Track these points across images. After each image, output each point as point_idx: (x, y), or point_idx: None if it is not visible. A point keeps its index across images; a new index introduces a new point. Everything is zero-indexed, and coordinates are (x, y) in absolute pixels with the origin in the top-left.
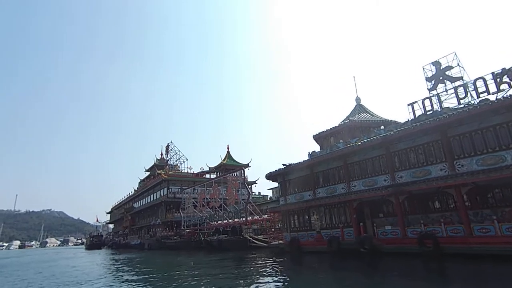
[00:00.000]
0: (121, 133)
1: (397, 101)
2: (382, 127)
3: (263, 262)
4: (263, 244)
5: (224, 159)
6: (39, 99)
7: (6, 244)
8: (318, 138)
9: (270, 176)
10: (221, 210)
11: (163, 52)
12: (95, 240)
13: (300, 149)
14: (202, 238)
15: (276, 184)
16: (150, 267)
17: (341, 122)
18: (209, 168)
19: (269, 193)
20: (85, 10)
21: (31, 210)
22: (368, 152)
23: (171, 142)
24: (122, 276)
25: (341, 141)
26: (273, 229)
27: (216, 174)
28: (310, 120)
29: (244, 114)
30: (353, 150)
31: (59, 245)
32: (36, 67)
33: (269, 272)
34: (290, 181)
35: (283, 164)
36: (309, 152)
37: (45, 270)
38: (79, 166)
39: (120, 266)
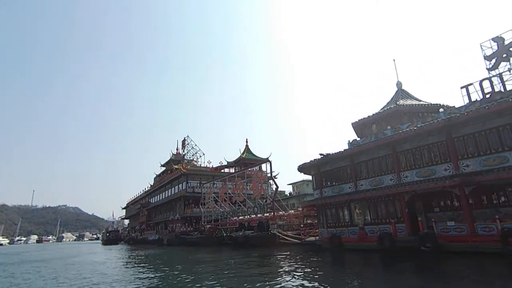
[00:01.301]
0: (134, 129)
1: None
2: (442, 110)
3: (309, 260)
4: (295, 240)
5: (243, 153)
6: (52, 97)
7: (24, 239)
8: (357, 126)
9: (303, 168)
10: (244, 205)
11: (170, 51)
12: (111, 236)
13: (309, 145)
14: (224, 234)
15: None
16: (188, 266)
17: (382, 109)
18: (227, 162)
19: (288, 189)
20: (91, 13)
21: (47, 206)
22: (423, 138)
23: (187, 136)
24: (169, 278)
25: (388, 127)
26: (302, 225)
27: (235, 169)
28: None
29: (253, 110)
30: (404, 137)
31: (74, 240)
32: (48, 64)
33: (330, 274)
34: (326, 172)
35: (320, 154)
36: (349, 141)
37: (75, 267)
38: (93, 163)
39: (154, 263)
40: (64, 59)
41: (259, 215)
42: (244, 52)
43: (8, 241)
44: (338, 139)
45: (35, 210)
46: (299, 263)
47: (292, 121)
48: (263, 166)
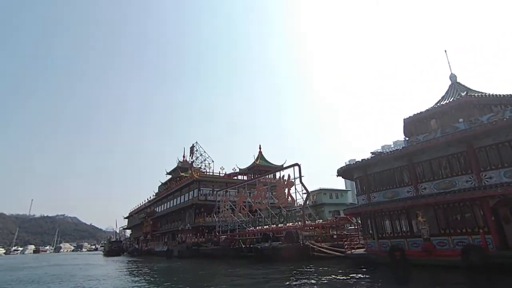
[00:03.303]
0: (136, 138)
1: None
2: None
3: (378, 280)
4: (336, 253)
5: (256, 160)
6: (54, 105)
7: (21, 249)
8: (410, 121)
9: (345, 171)
10: (263, 213)
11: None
12: (114, 246)
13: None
14: (243, 245)
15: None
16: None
17: (437, 103)
18: (239, 169)
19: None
20: (110, 22)
21: (45, 215)
22: None
23: (196, 142)
24: None
25: (460, 120)
26: (334, 236)
27: (248, 176)
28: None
29: (262, 118)
30: (486, 130)
31: (72, 251)
32: (50, 77)
33: None
34: (375, 175)
35: (371, 153)
36: (405, 138)
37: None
38: (93, 172)
39: (197, 282)
40: (81, 66)
41: (283, 225)
42: (258, 56)
43: (4, 251)
44: (355, 146)
45: (32, 219)
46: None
47: (302, 129)
48: (283, 172)
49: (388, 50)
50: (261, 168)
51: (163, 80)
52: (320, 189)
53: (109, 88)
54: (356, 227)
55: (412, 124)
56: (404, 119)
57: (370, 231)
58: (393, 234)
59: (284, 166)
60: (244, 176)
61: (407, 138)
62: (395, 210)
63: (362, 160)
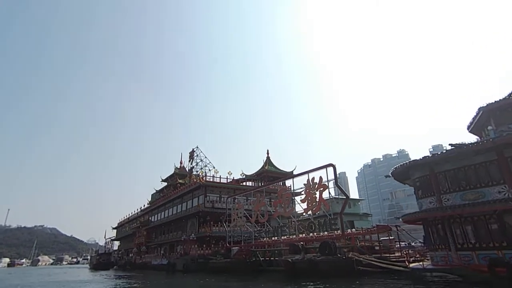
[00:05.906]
0: (120, 146)
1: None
2: None
3: None
4: (393, 267)
5: (265, 165)
6: (31, 106)
7: None
8: (490, 110)
9: (402, 172)
10: (283, 222)
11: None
12: (102, 259)
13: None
14: (262, 258)
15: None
16: None
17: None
18: (245, 175)
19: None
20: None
21: (22, 226)
22: None
23: (196, 147)
24: None
25: None
26: (376, 247)
27: (255, 182)
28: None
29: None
30: None
31: (51, 264)
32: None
33: None
34: (448, 173)
35: (450, 144)
36: (490, 128)
37: None
38: (74, 181)
39: None
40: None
41: (308, 234)
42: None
43: None
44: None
45: (8, 230)
46: None
47: (312, 136)
48: (312, 174)
49: (401, 52)
50: (270, 174)
51: (163, 81)
52: (332, 198)
53: (104, 89)
54: (390, 237)
55: (491, 113)
56: (479, 108)
57: (443, 241)
58: (479, 244)
59: (295, 172)
60: (253, 183)
61: (490, 128)
62: (482, 215)
63: (434, 154)
